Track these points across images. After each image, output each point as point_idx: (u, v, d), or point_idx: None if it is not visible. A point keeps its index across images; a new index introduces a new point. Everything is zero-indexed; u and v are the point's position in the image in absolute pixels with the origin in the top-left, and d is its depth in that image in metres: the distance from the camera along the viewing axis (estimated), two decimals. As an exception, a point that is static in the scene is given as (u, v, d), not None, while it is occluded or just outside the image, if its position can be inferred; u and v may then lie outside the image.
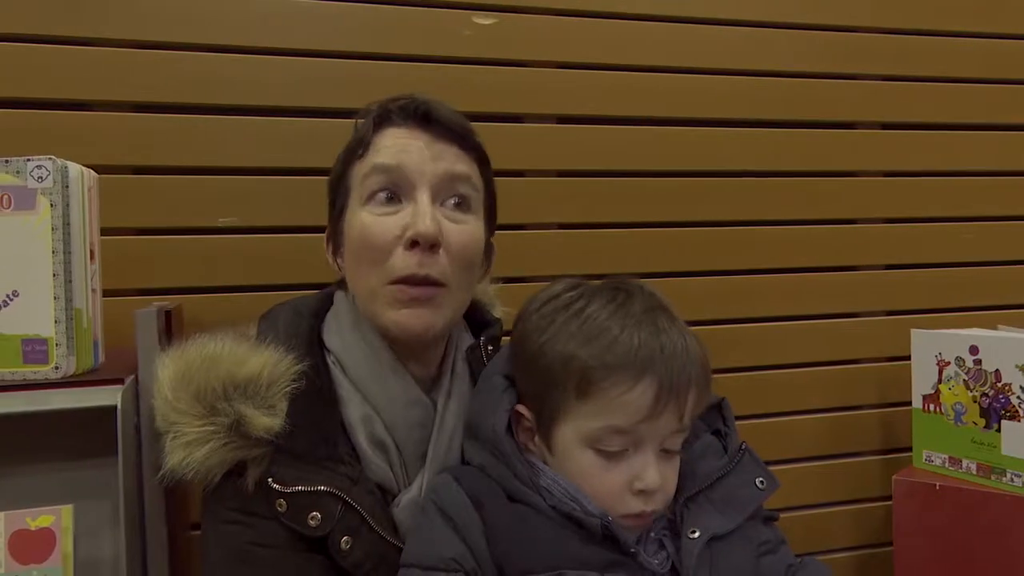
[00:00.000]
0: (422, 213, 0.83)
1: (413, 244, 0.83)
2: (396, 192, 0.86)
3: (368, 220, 0.85)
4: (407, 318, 0.84)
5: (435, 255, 0.84)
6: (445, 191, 0.87)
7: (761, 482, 0.84)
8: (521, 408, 0.82)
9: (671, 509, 0.81)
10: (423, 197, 0.85)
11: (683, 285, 1.49)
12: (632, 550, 0.75)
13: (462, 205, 0.88)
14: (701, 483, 0.82)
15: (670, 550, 0.78)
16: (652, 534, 0.79)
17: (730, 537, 0.79)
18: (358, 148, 0.89)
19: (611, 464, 0.77)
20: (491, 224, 0.96)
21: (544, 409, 0.80)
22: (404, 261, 0.83)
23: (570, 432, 0.78)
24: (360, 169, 0.88)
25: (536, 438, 0.82)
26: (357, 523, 0.81)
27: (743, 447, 0.86)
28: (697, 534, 0.77)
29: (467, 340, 0.97)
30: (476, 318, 1.01)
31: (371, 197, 0.86)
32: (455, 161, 0.88)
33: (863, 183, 1.61)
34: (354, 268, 0.88)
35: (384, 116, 0.89)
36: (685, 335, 0.78)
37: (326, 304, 0.95)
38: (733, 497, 0.82)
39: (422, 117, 0.88)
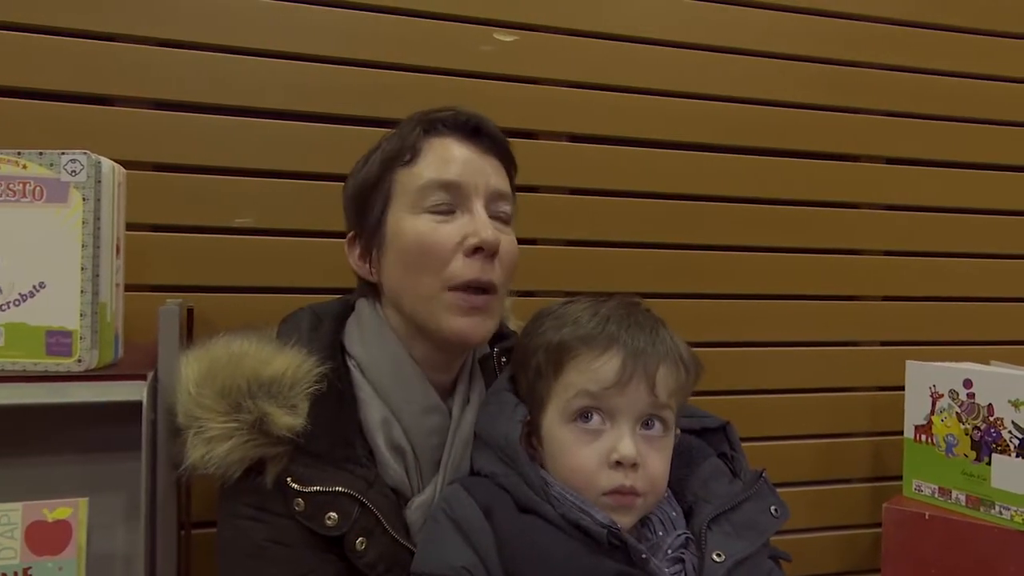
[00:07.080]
0: (484, 222, 0.87)
1: (476, 251, 0.86)
2: (453, 203, 0.89)
3: (426, 227, 0.88)
4: (469, 327, 0.87)
5: (493, 262, 0.88)
6: (493, 205, 0.90)
7: (775, 510, 0.86)
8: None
9: (694, 529, 0.83)
10: (479, 207, 0.88)
11: (685, 306, 1.51)
12: (644, 556, 0.76)
13: (504, 219, 0.92)
14: (723, 505, 0.84)
15: (688, 567, 0.80)
16: (670, 551, 0.81)
17: (747, 563, 0.81)
18: (404, 154, 0.90)
19: (589, 439, 0.81)
20: None
21: (535, 402, 0.85)
22: (467, 266, 0.86)
23: (552, 413, 0.83)
24: (408, 176, 0.90)
25: (534, 439, 0.85)
26: (372, 524, 0.83)
27: (763, 474, 0.89)
28: (723, 558, 0.79)
29: (483, 349, 1.00)
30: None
31: (431, 208, 0.88)
32: (500, 177, 0.92)
33: (864, 215, 1.64)
34: (403, 274, 0.89)
35: (431, 125, 0.92)
36: (659, 327, 0.84)
37: (347, 311, 0.96)
38: (752, 522, 0.84)
39: (472, 130, 0.91)
